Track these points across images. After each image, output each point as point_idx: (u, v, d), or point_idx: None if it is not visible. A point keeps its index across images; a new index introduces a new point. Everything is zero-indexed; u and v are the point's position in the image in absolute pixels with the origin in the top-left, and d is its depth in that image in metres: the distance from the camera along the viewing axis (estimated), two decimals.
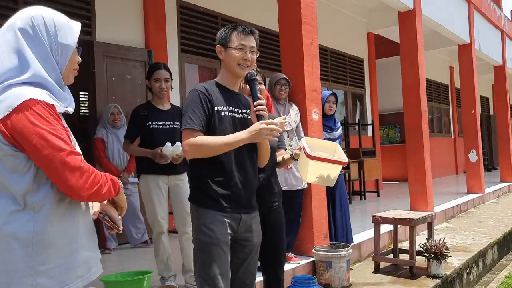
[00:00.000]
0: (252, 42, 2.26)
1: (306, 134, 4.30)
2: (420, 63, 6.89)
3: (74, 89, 2.18)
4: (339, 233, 4.56)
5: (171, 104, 3.74)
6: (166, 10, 5.91)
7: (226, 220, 2.18)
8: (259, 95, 2.22)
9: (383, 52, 12.05)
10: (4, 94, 1.41)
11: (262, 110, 2.16)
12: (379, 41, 11.38)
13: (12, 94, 1.40)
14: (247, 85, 2.68)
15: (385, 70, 12.66)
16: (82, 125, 6.24)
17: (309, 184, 4.22)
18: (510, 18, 13.93)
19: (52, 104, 1.44)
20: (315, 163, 2.42)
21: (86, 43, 5.05)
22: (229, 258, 2.21)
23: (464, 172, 15.53)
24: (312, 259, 4.19)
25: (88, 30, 5.11)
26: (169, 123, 3.56)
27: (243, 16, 7.03)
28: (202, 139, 2.11)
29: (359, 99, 10.84)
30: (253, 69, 2.77)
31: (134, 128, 3.62)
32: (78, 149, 1.52)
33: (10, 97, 1.39)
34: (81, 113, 8.11)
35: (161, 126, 3.54)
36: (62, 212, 1.46)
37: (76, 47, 1.57)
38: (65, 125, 1.53)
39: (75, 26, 1.58)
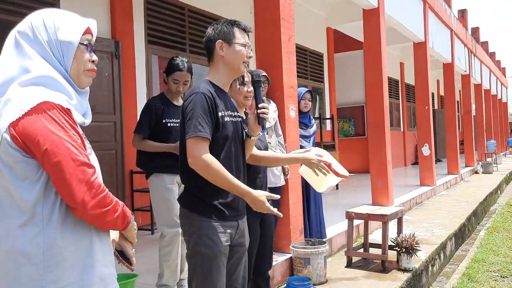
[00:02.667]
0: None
1: (283, 131, 4.32)
2: (383, 60, 7.08)
3: None
4: (313, 228, 4.63)
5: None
6: (133, 0, 5.70)
7: (228, 230, 2.11)
8: (263, 97, 2.20)
9: (339, 47, 12.26)
10: (14, 94, 1.31)
11: (265, 114, 2.15)
12: (334, 36, 11.56)
13: (24, 95, 1.30)
14: (244, 87, 2.63)
15: (341, 64, 12.91)
16: None
17: (286, 180, 4.24)
18: (457, 17, 14.58)
19: (68, 109, 1.34)
20: (335, 176, 2.51)
21: None
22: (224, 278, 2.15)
23: (412, 164, 16.32)
24: (289, 255, 4.22)
25: None
26: None
27: (211, 8, 6.91)
28: (219, 167, 2.00)
29: (319, 94, 10.99)
30: (256, 72, 2.77)
31: (150, 123, 3.33)
32: (94, 161, 1.41)
33: (22, 98, 1.29)
34: None
35: (177, 125, 3.29)
36: (73, 223, 1.34)
37: (84, 44, 1.45)
38: (81, 131, 1.43)
39: (82, 22, 1.47)
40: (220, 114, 2.08)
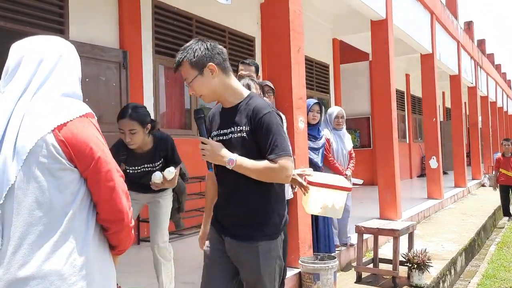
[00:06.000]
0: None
1: (292, 144, 4.24)
2: (391, 71, 7.01)
3: None
4: (321, 243, 4.53)
5: (154, 140, 3.26)
6: (141, 10, 5.68)
7: (214, 235, 2.20)
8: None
9: (344, 58, 12.22)
10: (56, 99, 1.29)
11: (204, 151, 2.03)
12: (340, 47, 11.52)
13: (71, 103, 1.30)
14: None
15: (346, 75, 12.85)
16: None
17: (294, 193, 4.16)
18: (463, 29, 14.54)
19: None
20: (317, 190, 2.36)
21: None
22: (220, 274, 2.15)
23: (418, 177, 16.18)
24: (297, 270, 4.13)
25: (60, 28, 4.81)
26: (148, 165, 3.29)
27: (218, 19, 6.90)
28: (207, 189, 2.38)
29: (324, 105, 10.93)
30: (250, 80, 2.74)
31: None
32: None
33: (69, 106, 1.29)
34: None
35: (137, 171, 3.32)
36: (98, 241, 1.30)
37: None
38: None
39: None
40: (212, 134, 2.15)
